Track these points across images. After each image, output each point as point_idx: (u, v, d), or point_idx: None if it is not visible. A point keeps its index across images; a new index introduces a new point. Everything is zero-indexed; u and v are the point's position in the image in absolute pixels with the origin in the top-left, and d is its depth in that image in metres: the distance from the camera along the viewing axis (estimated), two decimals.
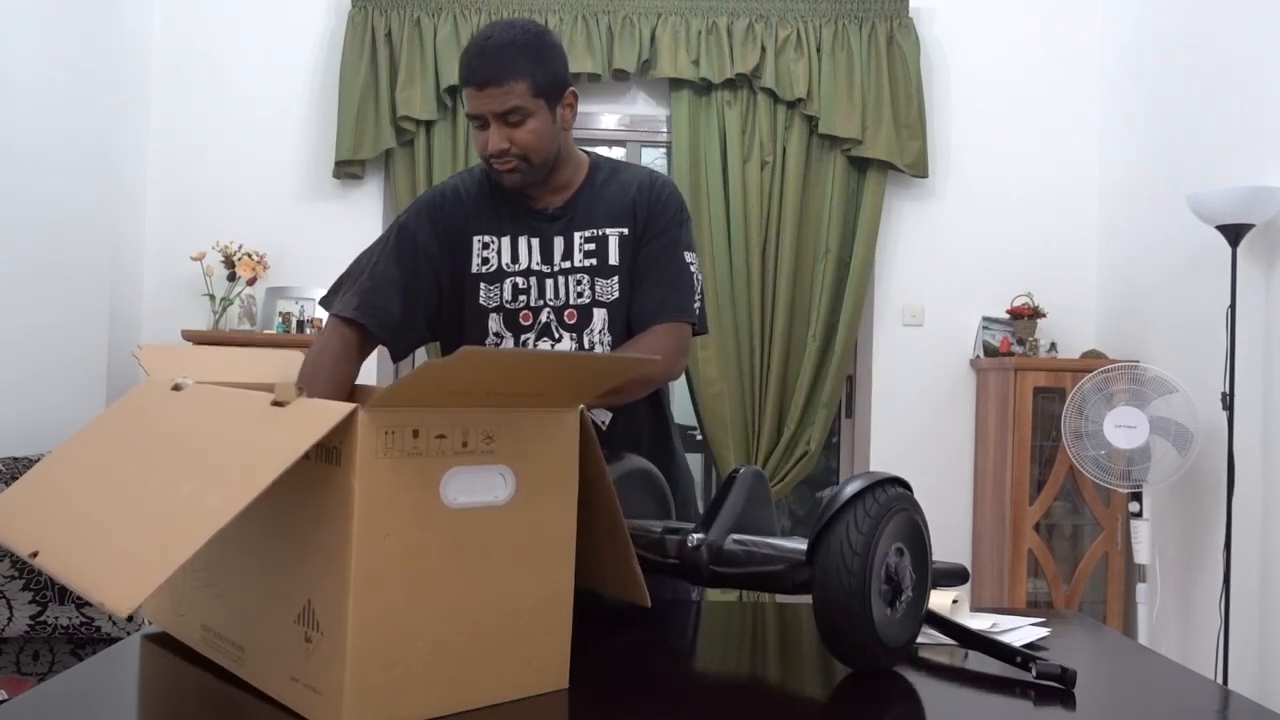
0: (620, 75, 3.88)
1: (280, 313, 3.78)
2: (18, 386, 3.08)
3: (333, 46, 3.91)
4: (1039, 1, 4.02)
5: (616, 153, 4.08)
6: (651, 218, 1.59)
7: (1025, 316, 3.78)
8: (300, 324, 3.74)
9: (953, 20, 4.00)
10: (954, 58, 4.01)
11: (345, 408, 0.80)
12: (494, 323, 1.58)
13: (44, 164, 3.20)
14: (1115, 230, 3.88)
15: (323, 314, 3.82)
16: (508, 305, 1.58)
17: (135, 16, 3.79)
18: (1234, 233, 2.93)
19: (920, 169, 3.86)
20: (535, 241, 1.59)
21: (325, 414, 0.80)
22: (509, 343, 1.59)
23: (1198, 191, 3.01)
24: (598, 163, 1.67)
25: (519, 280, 1.58)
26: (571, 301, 1.56)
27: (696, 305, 1.59)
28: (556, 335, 1.56)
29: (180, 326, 3.79)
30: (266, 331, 3.73)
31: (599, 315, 1.56)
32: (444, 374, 0.79)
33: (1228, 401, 2.96)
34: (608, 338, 1.56)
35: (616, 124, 4.00)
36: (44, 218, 3.20)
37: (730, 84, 3.81)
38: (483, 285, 1.59)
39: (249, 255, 3.75)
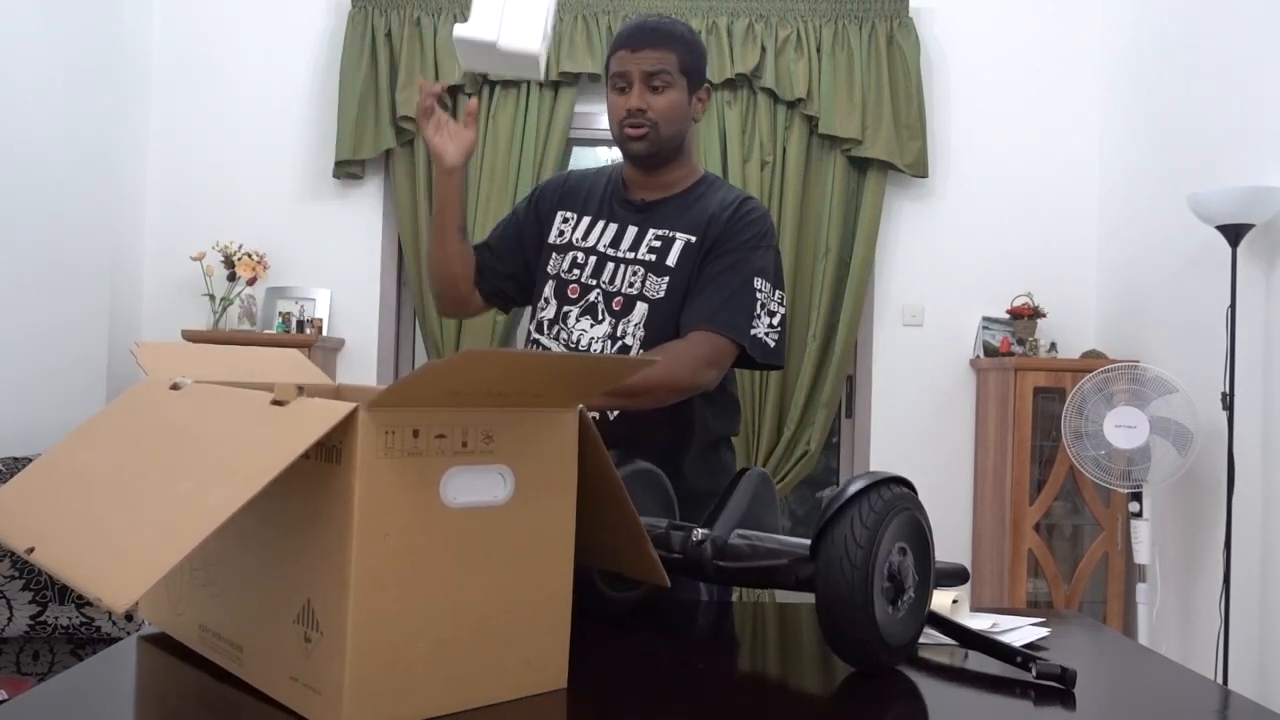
0: None
1: (280, 312, 3.78)
2: (18, 386, 3.08)
3: (333, 46, 3.91)
4: (1039, 1, 4.02)
5: (616, 153, 4.08)
6: (726, 234, 1.61)
7: (1025, 316, 3.78)
8: (300, 324, 3.74)
9: (953, 20, 4.00)
10: (954, 58, 4.01)
11: (345, 407, 0.80)
12: (548, 289, 1.66)
13: (44, 164, 3.20)
14: (1115, 230, 3.88)
15: (323, 313, 3.83)
16: (563, 275, 1.65)
17: (135, 16, 3.79)
18: (1234, 233, 2.93)
19: (920, 169, 3.86)
20: (613, 227, 1.66)
21: (325, 413, 0.80)
22: (551, 310, 1.65)
23: (1198, 191, 3.01)
24: (708, 178, 1.71)
25: (579, 255, 1.65)
26: (622, 290, 1.61)
27: (754, 330, 1.56)
28: (599, 317, 1.61)
29: (180, 326, 3.79)
30: (266, 331, 3.74)
31: (640, 309, 1.59)
32: (444, 374, 0.79)
33: (1228, 401, 2.96)
34: (641, 332, 1.58)
35: None
36: (44, 217, 3.20)
37: (730, 84, 3.81)
38: (554, 255, 1.68)
39: (249, 255, 3.75)
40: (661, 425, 1.59)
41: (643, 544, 1.06)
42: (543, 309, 1.67)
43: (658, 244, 1.62)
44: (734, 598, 1.58)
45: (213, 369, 1.13)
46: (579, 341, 1.61)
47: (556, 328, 1.64)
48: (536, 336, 1.67)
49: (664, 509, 1.33)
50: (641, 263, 1.61)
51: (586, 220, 1.68)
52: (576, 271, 1.64)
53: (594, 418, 1.41)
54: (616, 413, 1.57)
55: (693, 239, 1.61)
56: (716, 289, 1.57)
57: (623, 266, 1.62)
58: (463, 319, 1.78)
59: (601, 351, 1.59)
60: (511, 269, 1.76)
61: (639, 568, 1.09)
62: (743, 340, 1.56)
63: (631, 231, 1.64)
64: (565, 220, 1.70)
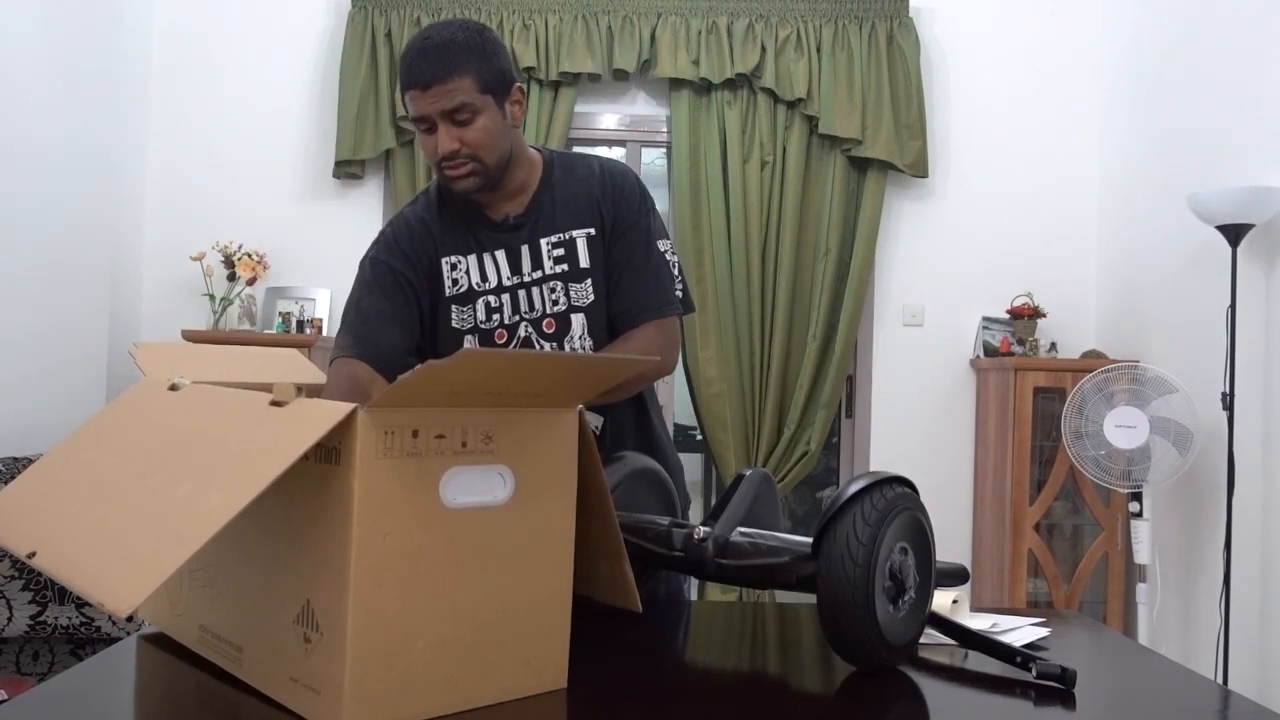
0: (620, 75, 3.88)
1: (280, 312, 3.78)
2: (18, 386, 3.08)
3: (333, 46, 3.91)
4: (1039, 1, 4.02)
5: (616, 153, 4.08)
6: (618, 215, 1.56)
7: (1025, 316, 3.78)
8: (300, 324, 3.74)
9: (953, 20, 4.00)
10: (954, 58, 4.01)
11: (345, 408, 0.80)
12: (469, 344, 1.54)
13: (44, 164, 3.20)
14: (1115, 230, 3.88)
15: (323, 313, 3.83)
16: (482, 326, 1.55)
17: (135, 16, 3.79)
18: (1234, 233, 2.93)
19: (920, 169, 3.86)
20: (501, 254, 1.55)
21: (324, 414, 0.80)
22: None
23: (1198, 191, 3.01)
24: (550, 159, 1.60)
25: (490, 299, 1.55)
26: (548, 310, 1.54)
27: (679, 292, 1.59)
28: (538, 346, 1.54)
29: (180, 326, 3.79)
30: (266, 331, 3.74)
31: (576, 321, 1.54)
32: (443, 374, 0.79)
33: (1228, 401, 2.96)
34: (588, 342, 1.54)
35: (616, 124, 4.00)
36: (44, 218, 3.20)
37: (730, 84, 3.81)
38: (455, 307, 1.56)
39: (249, 255, 3.75)
40: (626, 419, 1.61)
41: (621, 564, 1.05)
42: None
43: (560, 251, 1.54)
44: (735, 598, 1.58)
45: (211, 369, 1.13)
46: None
47: None
48: None
49: (665, 508, 1.33)
50: (555, 276, 1.54)
51: (473, 259, 1.55)
52: (496, 316, 1.54)
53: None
54: (599, 427, 1.56)
55: (592, 231, 1.55)
56: (638, 272, 1.56)
57: (537, 289, 1.54)
58: None
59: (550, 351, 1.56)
60: (418, 339, 1.60)
61: (613, 589, 1.08)
62: (678, 310, 1.58)
63: (525, 251, 1.55)
64: (454, 267, 1.56)
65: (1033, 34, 4.01)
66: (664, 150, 4.02)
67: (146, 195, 3.90)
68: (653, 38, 3.83)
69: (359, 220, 3.94)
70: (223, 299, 3.72)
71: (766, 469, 1.90)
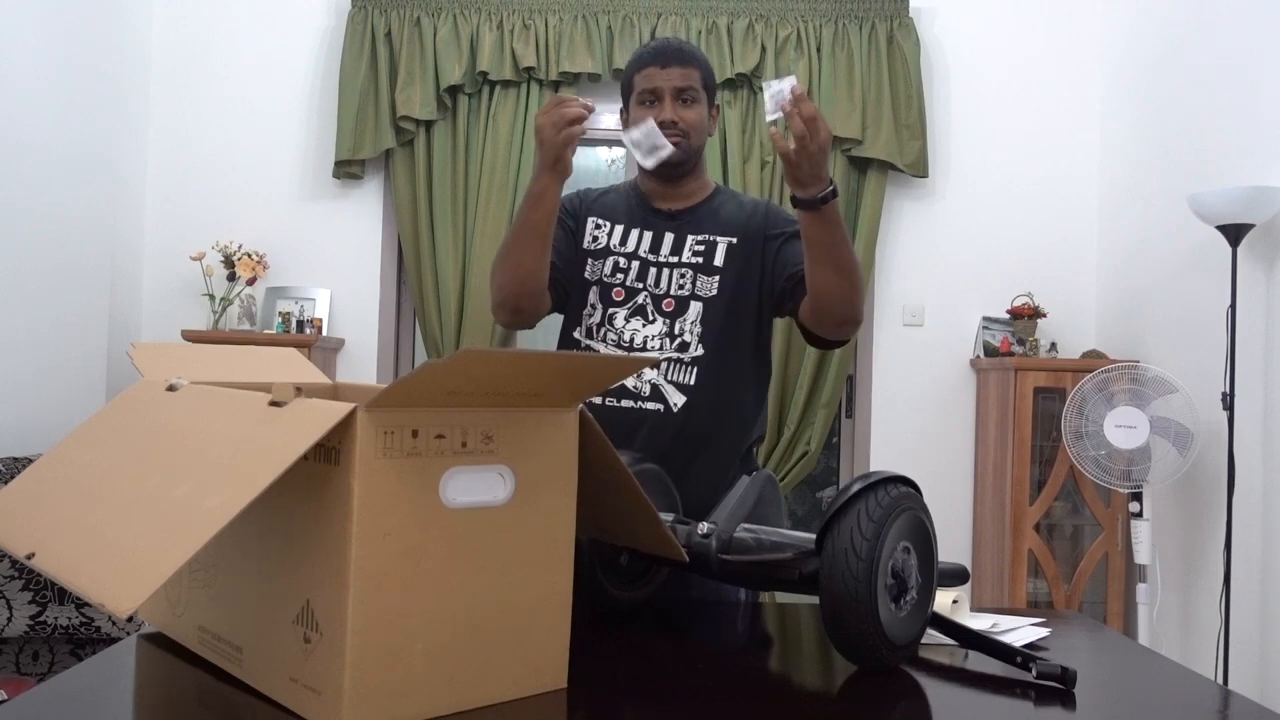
0: (620, 75, 3.88)
1: (280, 312, 3.78)
2: (18, 386, 3.08)
3: (333, 46, 3.91)
4: (1039, 1, 4.02)
5: (616, 153, 4.08)
6: (770, 224, 1.72)
7: (1025, 316, 3.78)
8: (300, 324, 3.74)
9: (953, 20, 4.00)
10: (954, 58, 4.01)
11: (344, 407, 0.80)
12: (592, 295, 1.71)
13: (44, 164, 3.20)
14: (1115, 230, 3.88)
15: (323, 313, 3.83)
16: (605, 279, 1.70)
17: (135, 16, 3.79)
18: (1234, 233, 2.93)
19: (920, 169, 3.86)
20: (649, 234, 1.73)
21: (324, 414, 0.80)
22: (598, 315, 1.70)
23: (1198, 191, 3.01)
24: (720, 188, 1.81)
25: (620, 260, 1.71)
26: (672, 292, 1.68)
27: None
28: (650, 317, 1.68)
29: (180, 326, 3.79)
30: (266, 331, 3.74)
31: (694, 308, 1.67)
32: (443, 373, 0.79)
33: (1228, 401, 2.96)
34: (699, 329, 1.66)
35: (616, 124, 3.99)
36: (44, 218, 3.20)
37: (730, 84, 3.81)
38: (590, 260, 1.73)
39: (249, 255, 3.75)
40: (729, 422, 1.69)
41: (656, 524, 1.07)
42: (589, 315, 1.71)
43: (700, 248, 1.70)
44: (737, 597, 1.58)
45: (209, 370, 1.13)
46: (633, 340, 1.67)
47: (604, 329, 1.69)
48: (587, 343, 1.71)
49: (667, 507, 1.33)
50: (689, 265, 1.69)
51: (620, 228, 1.74)
52: (620, 275, 1.70)
53: (659, 408, 1.60)
54: (680, 404, 1.63)
55: (734, 240, 1.70)
56: (795, 256, 1.67)
57: (667, 270, 1.69)
58: (522, 327, 1.74)
59: (660, 349, 1.67)
60: (569, 270, 1.78)
61: (657, 545, 1.11)
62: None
63: (669, 238, 1.72)
64: (599, 226, 1.75)
65: (1033, 34, 4.01)
66: None
67: (146, 195, 3.90)
68: (652, 38, 3.83)
69: (359, 220, 3.94)
70: (223, 299, 3.73)
71: (769, 470, 1.91)
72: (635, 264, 1.70)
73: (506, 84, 3.80)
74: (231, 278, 3.73)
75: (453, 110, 3.82)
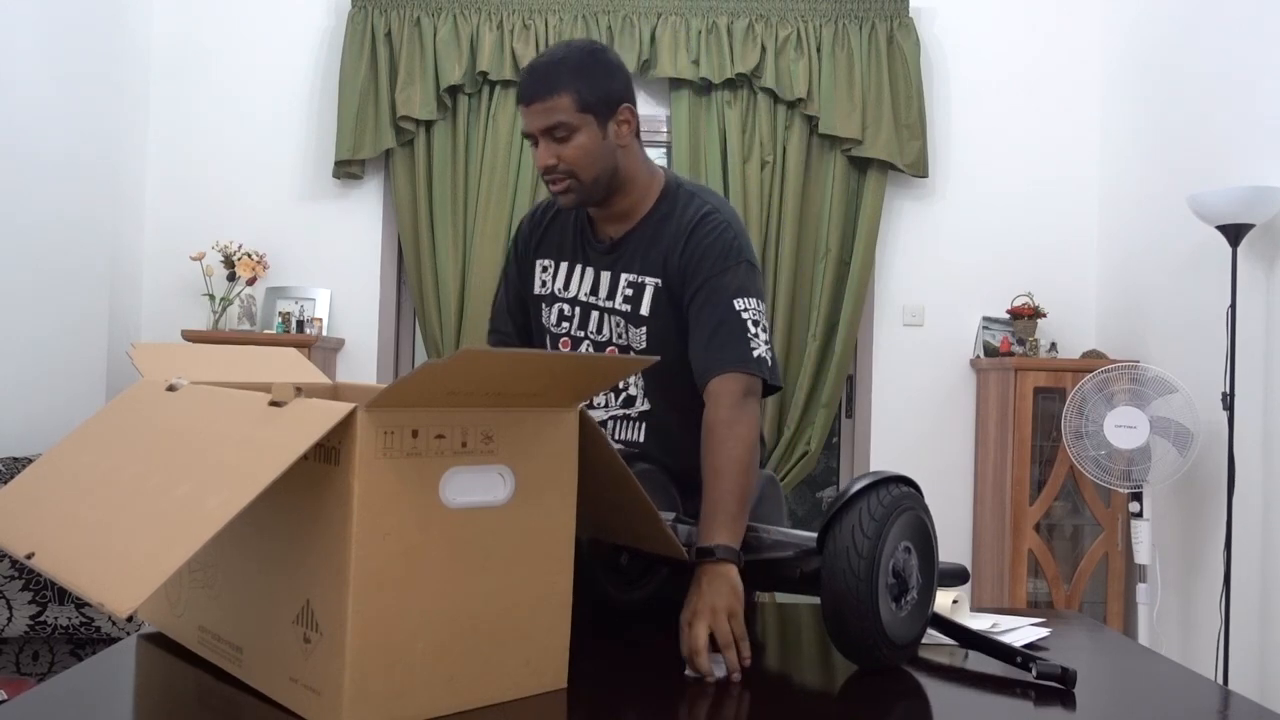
0: None
1: (280, 312, 3.78)
2: (18, 386, 3.08)
3: (333, 46, 3.91)
4: (1039, 1, 4.02)
5: None
6: (690, 271, 1.52)
7: (1025, 316, 3.78)
8: (300, 324, 3.74)
9: (953, 20, 4.00)
10: (954, 58, 4.01)
11: (344, 407, 0.80)
12: (547, 343, 1.63)
13: (44, 164, 3.20)
14: (1115, 230, 3.88)
15: (323, 313, 3.83)
16: (552, 329, 1.61)
17: (135, 17, 3.79)
18: (1234, 233, 2.93)
19: (920, 169, 3.86)
20: (589, 272, 1.59)
21: (324, 414, 0.80)
22: None
23: (1198, 191, 3.00)
24: (669, 189, 1.59)
25: (564, 307, 1.60)
26: (613, 340, 1.57)
27: (755, 351, 1.46)
28: None
29: (180, 326, 3.79)
30: (266, 331, 3.74)
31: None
32: (443, 374, 0.79)
33: (1228, 401, 2.96)
34: (642, 382, 1.55)
35: None
36: (44, 218, 3.20)
37: (730, 84, 3.81)
38: (542, 306, 1.63)
39: (249, 255, 3.75)
40: (685, 478, 1.49)
41: (657, 523, 1.06)
42: None
43: (630, 291, 1.56)
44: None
45: (209, 370, 1.13)
46: None
47: None
48: None
49: (667, 506, 1.33)
50: (620, 313, 1.56)
51: (565, 266, 1.62)
52: (565, 325, 1.59)
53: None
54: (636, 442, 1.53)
55: (659, 283, 1.54)
56: (702, 330, 1.49)
57: (606, 316, 1.57)
58: None
59: (606, 403, 1.57)
60: (535, 317, 1.69)
61: (658, 544, 1.10)
62: (754, 369, 1.45)
63: (605, 278, 1.58)
64: (545, 269, 1.64)
65: (1033, 34, 4.01)
66: (664, 150, 4.02)
67: (146, 195, 3.90)
68: (653, 38, 3.83)
69: (359, 220, 3.94)
70: (223, 299, 3.72)
71: (770, 471, 1.90)
72: (577, 310, 1.58)
73: (506, 84, 3.80)
74: (231, 278, 3.73)
75: (453, 110, 3.82)
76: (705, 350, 1.47)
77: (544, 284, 1.63)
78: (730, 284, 1.51)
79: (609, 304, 1.57)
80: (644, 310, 1.54)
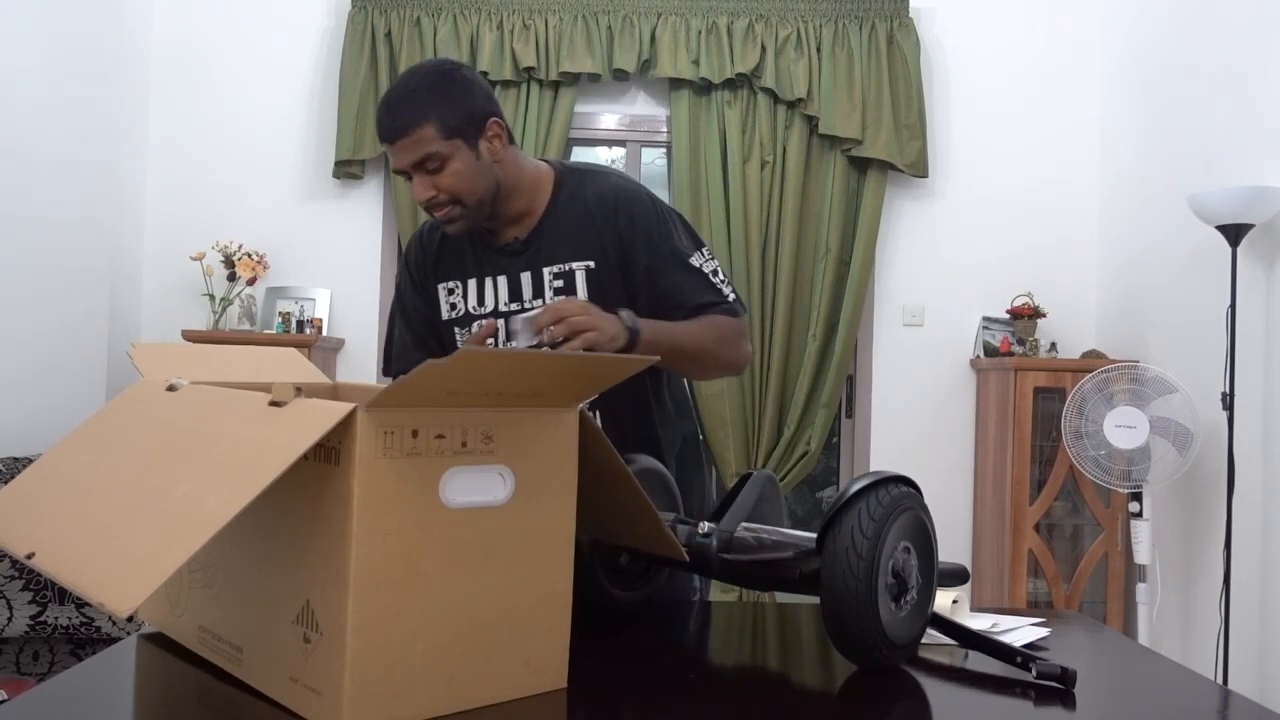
0: (620, 75, 3.88)
1: (280, 312, 3.78)
2: (18, 386, 3.08)
3: (333, 46, 3.91)
4: (1039, 2, 4.02)
5: (616, 153, 4.08)
6: (628, 248, 1.52)
7: (1025, 316, 3.78)
8: (300, 324, 3.74)
9: (953, 20, 4.00)
10: (954, 58, 4.01)
11: (344, 407, 0.80)
12: None
13: (44, 164, 3.20)
14: (1115, 230, 3.88)
15: (323, 313, 3.83)
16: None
17: (135, 18, 3.79)
18: (1234, 233, 2.93)
19: (920, 169, 3.86)
20: (503, 280, 1.55)
21: (324, 414, 0.80)
22: None
23: (1198, 191, 3.01)
24: (562, 177, 1.57)
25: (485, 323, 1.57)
26: (546, 341, 1.54)
27: (730, 295, 1.54)
28: None
29: (180, 326, 3.79)
30: (266, 331, 3.74)
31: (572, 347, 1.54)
32: (443, 374, 0.79)
33: (1228, 401, 2.96)
34: None
35: (616, 124, 4.00)
36: (44, 218, 3.20)
37: (730, 84, 3.81)
38: (456, 330, 1.59)
39: (249, 255, 3.75)
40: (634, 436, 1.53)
41: (656, 524, 1.06)
42: None
43: (560, 283, 1.53)
44: (735, 597, 1.58)
45: (209, 370, 1.13)
46: None
47: None
48: None
49: (668, 506, 1.33)
50: None
51: (473, 283, 1.56)
52: (490, 341, 1.52)
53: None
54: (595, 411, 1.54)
55: (591, 264, 1.52)
56: (680, 296, 1.51)
57: None
58: None
59: None
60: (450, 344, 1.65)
61: (657, 544, 1.10)
62: (734, 310, 1.53)
63: (526, 279, 1.54)
64: (451, 292, 1.59)
65: (1033, 34, 4.01)
66: (664, 150, 4.02)
67: (146, 195, 3.90)
68: (653, 38, 3.83)
69: (359, 220, 3.94)
70: (223, 299, 3.72)
71: (764, 469, 1.90)
72: (500, 323, 1.52)
73: (506, 84, 3.80)
74: (231, 278, 3.73)
75: None
76: (690, 313, 1.51)
77: (454, 307, 1.59)
78: (678, 246, 1.54)
79: (538, 302, 1.53)
80: (582, 295, 1.51)
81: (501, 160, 1.50)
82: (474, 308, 1.57)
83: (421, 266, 1.62)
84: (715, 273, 1.55)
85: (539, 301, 1.53)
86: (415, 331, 1.64)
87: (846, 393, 4.02)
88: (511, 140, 1.53)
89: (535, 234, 1.54)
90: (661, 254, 1.52)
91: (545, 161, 1.60)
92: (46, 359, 3.24)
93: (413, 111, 1.42)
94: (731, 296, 1.54)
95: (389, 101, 1.45)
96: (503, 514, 0.89)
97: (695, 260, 1.54)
